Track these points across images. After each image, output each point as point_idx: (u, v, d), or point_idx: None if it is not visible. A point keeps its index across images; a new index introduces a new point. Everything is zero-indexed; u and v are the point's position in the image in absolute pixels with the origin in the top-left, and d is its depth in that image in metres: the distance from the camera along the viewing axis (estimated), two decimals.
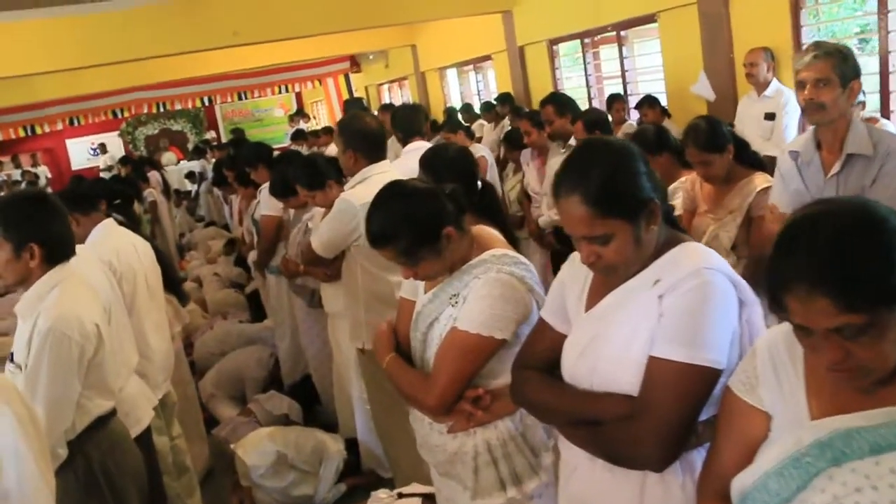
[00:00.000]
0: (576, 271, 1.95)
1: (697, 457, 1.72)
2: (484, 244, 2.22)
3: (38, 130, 15.94)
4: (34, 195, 2.50)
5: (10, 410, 1.62)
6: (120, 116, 17.26)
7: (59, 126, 16.18)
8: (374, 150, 3.43)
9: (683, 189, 3.74)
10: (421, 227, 2.10)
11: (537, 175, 5.73)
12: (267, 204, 5.07)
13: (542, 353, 1.98)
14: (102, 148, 18.82)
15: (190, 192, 14.69)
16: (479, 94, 12.32)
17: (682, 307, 1.65)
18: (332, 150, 10.65)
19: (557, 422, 1.92)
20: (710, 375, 1.64)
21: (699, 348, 1.62)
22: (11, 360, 2.43)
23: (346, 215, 3.31)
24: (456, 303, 2.14)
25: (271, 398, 4.79)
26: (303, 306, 4.68)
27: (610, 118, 5.92)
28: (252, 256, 6.13)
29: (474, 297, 2.10)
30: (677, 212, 3.79)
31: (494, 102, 10.02)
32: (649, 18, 7.78)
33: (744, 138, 3.59)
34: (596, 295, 1.86)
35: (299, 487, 4.01)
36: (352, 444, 4.25)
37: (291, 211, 4.83)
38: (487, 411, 2.14)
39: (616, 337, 1.75)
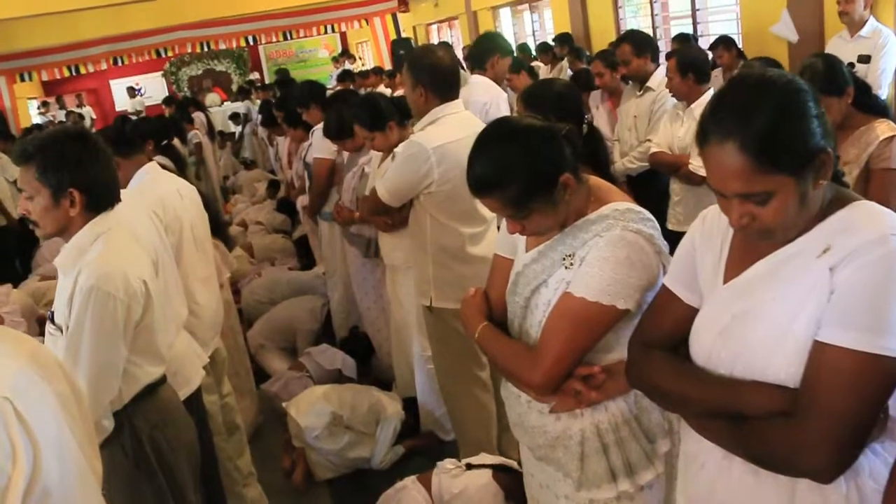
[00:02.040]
0: (710, 233, 1.63)
1: (864, 461, 1.40)
2: (602, 196, 1.88)
3: (83, 70, 15.73)
4: (75, 134, 2.19)
5: (50, 391, 1.36)
6: (163, 56, 16.99)
7: (103, 66, 15.94)
8: (446, 88, 3.09)
9: None
10: (536, 172, 1.77)
11: (608, 119, 5.35)
12: (319, 146, 4.79)
13: (666, 329, 1.67)
14: (131, 91, 18.34)
15: (234, 133, 14.45)
16: (533, 36, 11.81)
17: (862, 283, 1.33)
18: (380, 91, 10.35)
19: (688, 412, 1.62)
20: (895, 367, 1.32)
21: (883, 334, 1.31)
22: (52, 321, 2.16)
23: (418, 160, 2.99)
24: (571, 264, 1.82)
25: (324, 352, 4.56)
26: (357, 255, 4.40)
27: None
28: (302, 201, 5.88)
29: (595, 259, 1.78)
30: None
31: (552, 43, 9.54)
32: None
33: (865, 81, 3.17)
34: (738, 262, 1.54)
35: (355, 449, 3.78)
36: (409, 404, 4.00)
37: (346, 154, 4.53)
38: (599, 390, 1.83)
39: (769, 315, 1.44)
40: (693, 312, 1.63)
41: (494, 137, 1.85)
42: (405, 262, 3.58)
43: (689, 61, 3.99)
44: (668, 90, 4.53)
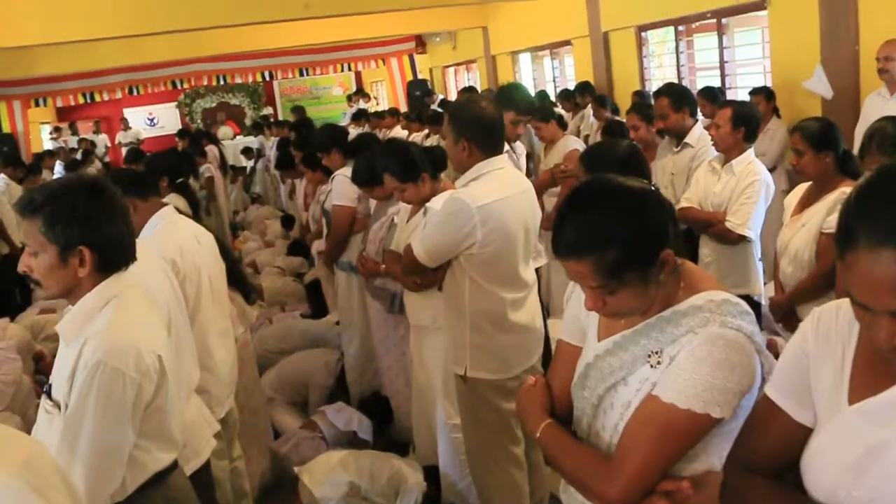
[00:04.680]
0: (826, 337, 1.37)
1: None
2: (694, 283, 1.63)
3: (97, 98, 15.74)
4: (89, 185, 1.94)
5: None
6: (179, 87, 16.97)
7: (118, 94, 15.95)
8: (491, 142, 2.87)
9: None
10: (641, 240, 1.53)
11: None
12: (340, 193, 4.60)
13: (771, 451, 1.42)
14: (125, 123, 17.82)
15: (245, 168, 14.31)
16: (554, 82, 11.66)
17: None
18: (396, 132, 10.21)
19: None
20: None
21: None
22: (49, 396, 1.90)
23: (461, 218, 2.75)
24: (658, 363, 1.56)
25: (339, 411, 4.28)
26: (380, 310, 4.15)
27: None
28: (317, 246, 5.67)
29: (688, 360, 1.52)
30: (830, 230, 3.19)
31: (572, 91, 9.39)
32: (758, 5, 7.09)
33: None
34: (869, 379, 1.29)
35: None
36: (430, 473, 3.72)
37: (372, 202, 4.31)
38: None
39: None
40: (803, 432, 1.38)
41: (597, 194, 1.60)
42: (433, 322, 3.34)
43: (746, 116, 3.80)
44: (707, 143, 4.35)
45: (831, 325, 1.38)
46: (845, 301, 1.37)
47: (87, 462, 1.78)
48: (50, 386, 1.92)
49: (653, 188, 1.64)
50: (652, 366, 1.57)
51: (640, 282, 1.55)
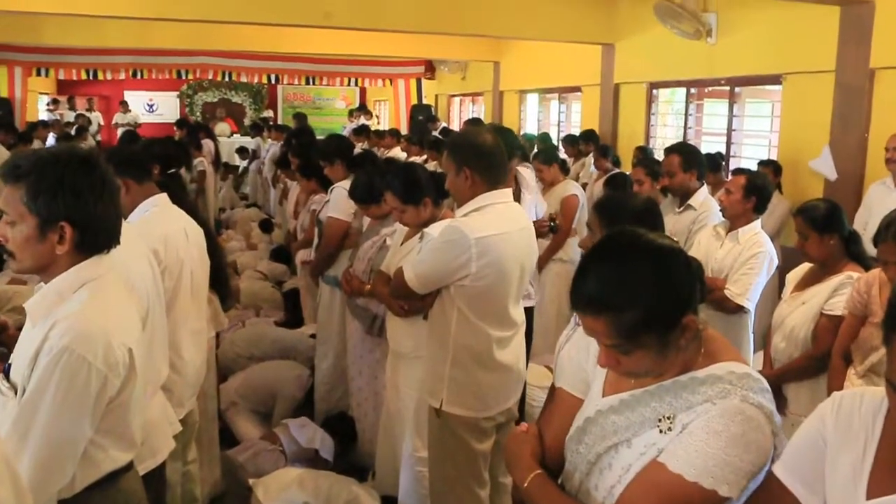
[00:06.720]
0: (848, 426, 1.30)
1: None
2: (714, 351, 1.54)
3: (101, 76, 15.62)
4: (81, 158, 1.80)
5: None
6: (183, 77, 16.87)
7: (122, 76, 15.83)
8: (494, 172, 2.78)
9: (855, 289, 3.06)
10: (662, 303, 1.45)
11: None
12: (338, 206, 4.50)
13: None
14: (124, 106, 17.63)
15: (238, 167, 14.19)
16: (558, 126, 11.66)
17: None
18: (395, 153, 10.15)
19: None
20: None
21: None
22: (6, 376, 1.76)
23: (457, 248, 2.66)
24: (669, 429, 1.47)
25: (303, 427, 4.14)
26: (358, 329, 4.04)
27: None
28: (302, 256, 5.56)
29: (703, 430, 1.42)
30: (837, 312, 3.13)
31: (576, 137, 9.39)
32: (773, 79, 7.12)
33: None
34: (889, 476, 1.22)
35: None
36: (387, 503, 3.60)
37: (366, 219, 4.21)
38: None
39: None
40: None
41: (623, 249, 1.52)
42: (414, 350, 3.23)
43: (759, 186, 3.74)
44: (709, 208, 4.31)
45: (854, 413, 1.31)
46: (870, 389, 1.32)
47: (38, 453, 1.66)
48: (9, 366, 1.78)
49: (680, 247, 1.55)
50: (661, 431, 1.47)
51: (658, 345, 1.47)
